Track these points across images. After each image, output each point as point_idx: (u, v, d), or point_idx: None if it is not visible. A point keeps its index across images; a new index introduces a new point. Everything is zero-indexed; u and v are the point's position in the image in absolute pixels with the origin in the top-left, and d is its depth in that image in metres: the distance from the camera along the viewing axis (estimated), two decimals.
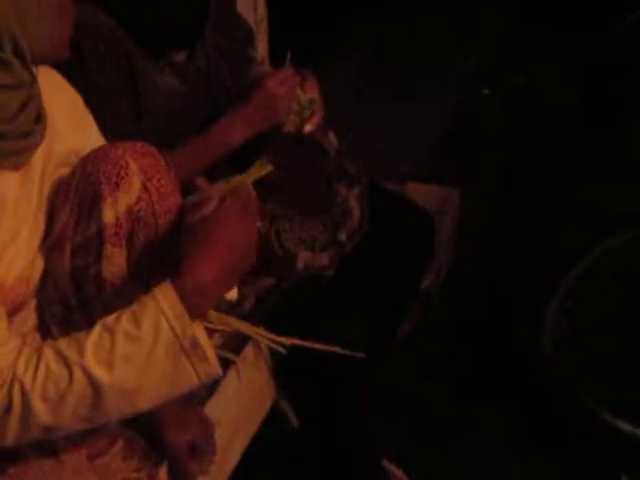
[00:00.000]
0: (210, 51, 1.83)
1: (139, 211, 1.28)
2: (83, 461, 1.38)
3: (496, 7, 3.53)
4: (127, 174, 1.27)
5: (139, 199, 1.27)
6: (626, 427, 1.91)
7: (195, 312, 1.18)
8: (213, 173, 1.80)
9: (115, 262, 1.29)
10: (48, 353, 1.17)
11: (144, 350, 1.16)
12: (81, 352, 1.16)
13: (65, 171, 1.34)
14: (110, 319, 1.18)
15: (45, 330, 1.35)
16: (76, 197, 1.29)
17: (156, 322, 1.16)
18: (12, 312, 1.29)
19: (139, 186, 1.27)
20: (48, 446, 1.35)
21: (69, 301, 1.32)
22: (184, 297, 1.17)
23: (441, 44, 3.40)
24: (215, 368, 1.21)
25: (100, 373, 1.15)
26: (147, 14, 1.69)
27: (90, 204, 1.28)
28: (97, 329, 1.17)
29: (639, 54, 3.07)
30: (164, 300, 1.16)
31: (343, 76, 3.01)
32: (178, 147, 1.72)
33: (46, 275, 1.33)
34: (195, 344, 1.17)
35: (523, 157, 2.84)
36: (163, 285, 1.18)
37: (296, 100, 1.82)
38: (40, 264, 1.32)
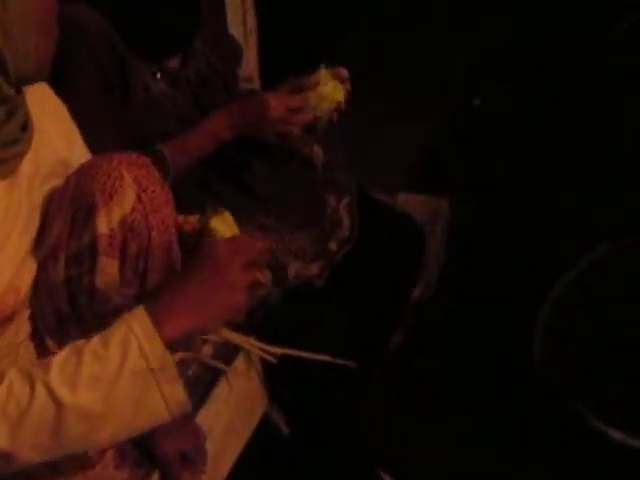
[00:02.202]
0: (201, 64, 1.84)
1: (133, 222, 1.28)
2: (76, 470, 1.38)
3: (484, 18, 3.55)
4: (121, 185, 1.27)
5: (133, 210, 1.28)
6: (616, 435, 1.92)
7: (164, 337, 1.15)
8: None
9: (108, 272, 1.29)
10: (12, 372, 1.14)
11: (110, 370, 1.13)
12: (46, 370, 1.13)
13: (55, 182, 1.35)
14: (81, 341, 1.16)
15: (39, 340, 1.36)
16: (70, 208, 1.30)
17: (124, 341, 1.14)
18: (3, 322, 1.29)
19: (133, 197, 1.28)
20: None
21: (62, 311, 1.33)
22: (156, 321, 1.15)
23: (430, 55, 3.42)
24: (183, 395, 1.16)
25: (63, 392, 1.12)
26: (140, 19, 1.72)
27: (84, 215, 1.29)
28: (67, 350, 1.16)
29: (634, 58, 3.09)
30: (135, 321, 1.16)
31: None
32: (171, 140, 1.74)
33: (40, 285, 1.33)
34: (164, 365, 1.14)
35: (513, 167, 2.85)
36: (136, 308, 1.18)
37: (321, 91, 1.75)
38: (29, 273, 1.32)
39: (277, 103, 1.76)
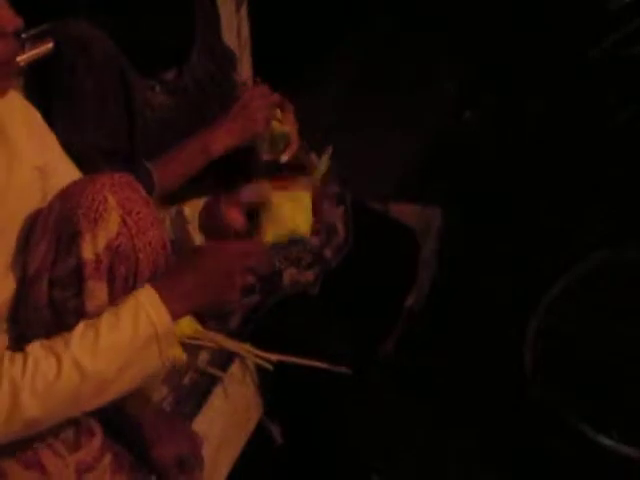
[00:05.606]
0: (198, 73, 1.86)
1: (119, 246, 1.27)
2: (71, 475, 1.38)
3: (473, 32, 3.58)
4: (105, 209, 1.26)
5: (119, 234, 1.27)
6: (607, 442, 1.93)
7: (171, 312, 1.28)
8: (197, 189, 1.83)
9: (97, 296, 1.28)
10: (34, 348, 1.24)
11: (125, 339, 1.25)
12: (67, 344, 1.23)
13: (33, 193, 1.35)
14: (92, 320, 1.26)
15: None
16: (55, 232, 1.29)
17: (135, 312, 1.25)
18: None
19: (118, 221, 1.27)
20: (35, 460, 1.35)
21: (49, 325, 1.32)
22: (162, 296, 1.27)
23: (421, 68, 3.45)
24: (180, 353, 1.36)
25: (86, 360, 1.23)
26: (137, 35, 1.73)
27: (69, 239, 1.27)
28: (80, 326, 1.26)
29: (614, 76, 3.12)
30: (143, 296, 1.27)
31: (326, 99, 3.05)
32: (161, 156, 1.75)
33: (26, 302, 1.32)
34: (168, 331, 1.27)
35: (504, 178, 2.87)
36: (143, 286, 1.28)
37: (271, 132, 1.84)
38: (7, 289, 1.31)
39: (249, 94, 1.84)
